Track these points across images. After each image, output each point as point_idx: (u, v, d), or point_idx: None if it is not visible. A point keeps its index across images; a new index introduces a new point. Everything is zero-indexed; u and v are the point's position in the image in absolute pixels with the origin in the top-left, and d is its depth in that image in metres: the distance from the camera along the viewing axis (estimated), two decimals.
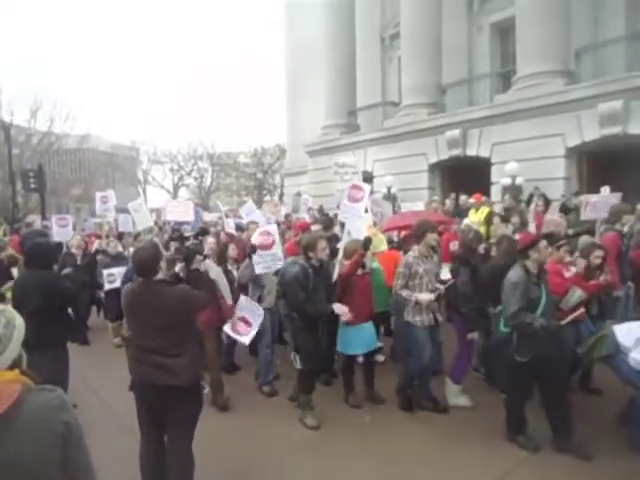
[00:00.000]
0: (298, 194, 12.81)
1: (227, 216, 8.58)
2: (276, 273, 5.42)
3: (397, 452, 4.06)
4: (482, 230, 7.26)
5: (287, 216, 11.32)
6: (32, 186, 17.86)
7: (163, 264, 3.22)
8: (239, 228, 8.33)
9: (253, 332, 5.13)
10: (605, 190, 8.46)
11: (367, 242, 4.90)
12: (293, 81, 26.16)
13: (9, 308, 1.61)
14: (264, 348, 5.47)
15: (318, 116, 21.05)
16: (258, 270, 5.30)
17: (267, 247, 5.36)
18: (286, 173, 28.66)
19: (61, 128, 32.78)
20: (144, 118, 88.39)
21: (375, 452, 4.07)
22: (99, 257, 7.70)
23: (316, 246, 4.57)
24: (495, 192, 13.10)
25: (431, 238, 4.71)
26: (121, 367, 5.91)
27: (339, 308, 4.58)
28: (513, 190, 11.90)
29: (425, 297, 4.56)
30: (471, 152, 14.75)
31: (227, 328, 5.10)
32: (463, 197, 11.73)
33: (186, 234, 8.22)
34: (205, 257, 3.98)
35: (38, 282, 4.23)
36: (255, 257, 5.28)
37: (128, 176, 47.54)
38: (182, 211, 9.27)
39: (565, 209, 9.74)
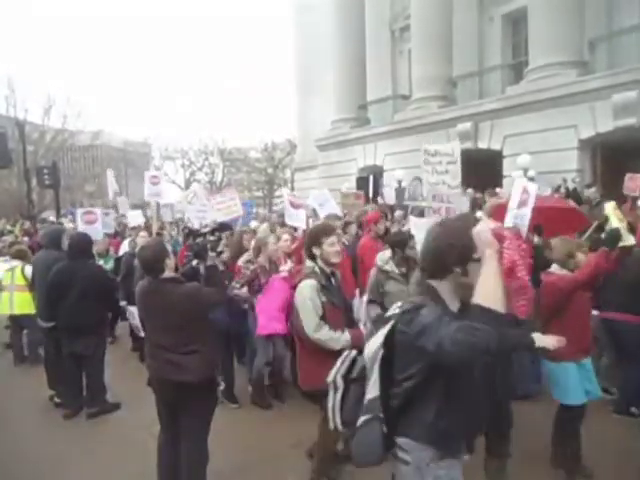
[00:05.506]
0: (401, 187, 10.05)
1: (295, 206, 6.93)
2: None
3: None
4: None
5: (392, 210, 9.60)
6: (46, 182, 18.04)
7: (170, 262, 3.21)
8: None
9: None
10: (636, 179, 7.92)
11: (615, 236, 3.28)
12: (303, 75, 26.11)
13: None
14: None
15: (328, 110, 21.04)
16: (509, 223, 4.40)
17: (523, 204, 4.71)
18: (297, 168, 28.69)
19: (74, 125, 33.20)
20: (156, 115, 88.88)
21: None
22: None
23: None
24: (507, 185, 13.01)
25: None
26: (135, 362, 6.04)
27: (542, 340, 2.67)
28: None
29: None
30: (483, 145, 14.66)
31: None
32: (469, 190, 11.64)
33: (203, 230, 6.94)
34: (220, 253, 3.87)
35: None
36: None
37: (141, 172, 47.81)
38: (228, 206, 7.27)
39: (577, 198, 9.62)
